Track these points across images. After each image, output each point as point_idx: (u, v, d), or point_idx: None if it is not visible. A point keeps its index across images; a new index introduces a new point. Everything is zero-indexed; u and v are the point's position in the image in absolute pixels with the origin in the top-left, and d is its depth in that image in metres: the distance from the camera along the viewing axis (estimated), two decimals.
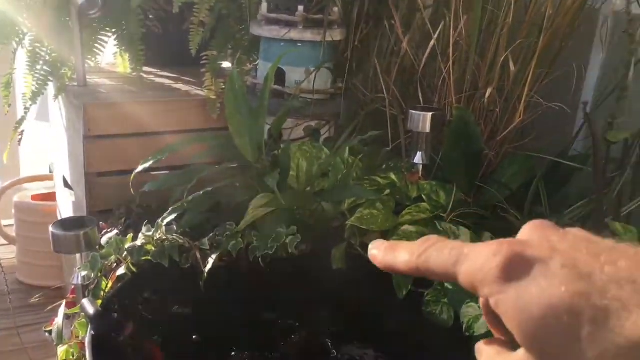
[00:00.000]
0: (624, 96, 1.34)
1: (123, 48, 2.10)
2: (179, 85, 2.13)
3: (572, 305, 0.29)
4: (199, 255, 1.43)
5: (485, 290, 0.33)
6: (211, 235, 1.51)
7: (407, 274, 0.38)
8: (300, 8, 1.72)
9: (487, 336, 1.28)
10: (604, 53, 1.62)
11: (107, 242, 1.38)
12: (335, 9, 1.78)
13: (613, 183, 1.43)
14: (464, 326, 1.25)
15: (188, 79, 2.21)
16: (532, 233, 0.34)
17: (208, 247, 1.48)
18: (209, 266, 1.39)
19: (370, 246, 0.41)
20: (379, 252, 0.40)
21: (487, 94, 1.53)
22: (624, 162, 1.41)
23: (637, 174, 1.47)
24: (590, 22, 1.62)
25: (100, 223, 1.73)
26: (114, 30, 2.04)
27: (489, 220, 1.51)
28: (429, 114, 1.56)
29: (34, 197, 3.11)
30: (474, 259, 0.34)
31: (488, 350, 0.35)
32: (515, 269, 0.32)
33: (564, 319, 0.29)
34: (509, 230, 1.43)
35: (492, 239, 1.25)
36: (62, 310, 1.40)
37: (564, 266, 0.31)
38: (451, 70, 1.57)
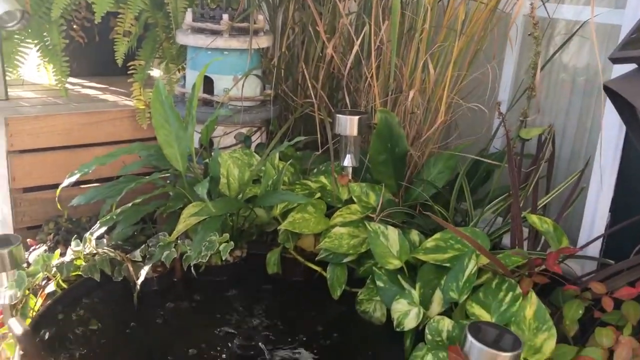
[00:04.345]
0: (533, 95, 1.42)
1: (46, 60, 2.05)
2: (107, 96, 2.09)
3: None
4: (131, 268, 1.42)
5: None
6: (143, 246, 1.50)
7: None
8: (225, 17, 1.73)
9: (417, 330, 1.30)
10: (515, 54, 1.70)
11: (35, 260, 1.36)
12: (260, 17, 1.80)
13: (530, 178, 1.51)
14: (395, 322, 1.29)
15: (116, 89, 2.17)
16: None
17: (140, 259, 1.47)
18: (141, 278, 1.39)
19: None
20: None
21: (410, 97, 1.59)
22: (538, 158, 1.49)
23: (551, 168, 1.56)
24: (503, 26, 1.70)
25: (28, 240, 1.69)
26: (35, 42, 1.99)
27: (416, 218, 1.57)
28: (356, 118, 1.60)
29: None
30: None
31: None
32: None
33: None
34: (435, 227, 1.48)
35: (419, 235, 1.29)
36: None
37: None
38: (375, 74, 1.61)
